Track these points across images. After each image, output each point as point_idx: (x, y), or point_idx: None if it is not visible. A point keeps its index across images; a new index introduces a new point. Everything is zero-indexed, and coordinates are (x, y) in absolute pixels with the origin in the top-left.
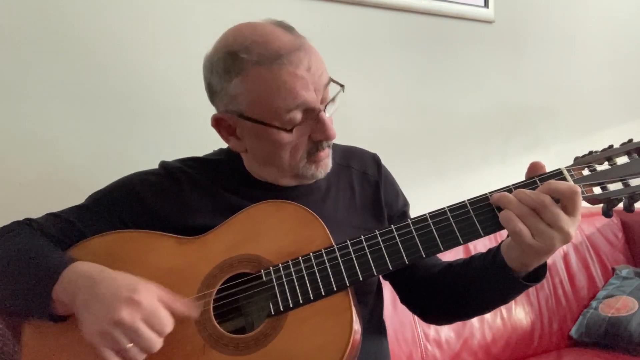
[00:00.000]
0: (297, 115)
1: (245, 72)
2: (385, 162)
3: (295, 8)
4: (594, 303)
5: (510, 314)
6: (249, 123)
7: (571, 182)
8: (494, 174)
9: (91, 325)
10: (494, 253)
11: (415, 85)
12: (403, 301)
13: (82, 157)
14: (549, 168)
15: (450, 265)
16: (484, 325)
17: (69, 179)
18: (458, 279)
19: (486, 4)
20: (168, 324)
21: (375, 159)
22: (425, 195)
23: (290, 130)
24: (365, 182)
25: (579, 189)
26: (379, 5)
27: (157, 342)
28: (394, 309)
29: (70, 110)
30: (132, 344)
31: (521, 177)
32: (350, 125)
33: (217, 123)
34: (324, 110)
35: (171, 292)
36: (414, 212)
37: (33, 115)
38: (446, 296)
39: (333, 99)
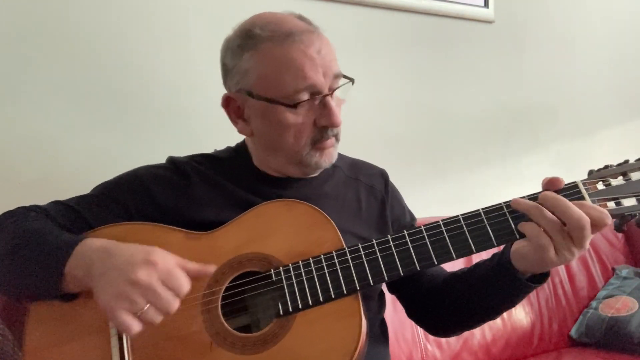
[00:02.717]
0: (304, 96)
1: (257, 47)
2: (384, 162)
3: (295, 8)
4: (594, 303)
5: (510, 314)
6: (257, 102)
7: (604, 210)
8: (494, 174)
9: (107, 291)
10: (499, 258)
11: (415, 85)
12: (411, 315)
13: (83, 156)
14: (549, 169)
15: (455, 274)
16: (484, 325)
17: (69, 178)
18: (464, 286)
19: (486, 4)
20: (184, 284)
21: (383, 175)
22: (425, 195)
23: (295, 107)
24: (372, 196)
25: (610, 219)
26: (379, 5)
27: (174, 302)
28: (394, 309)
29: (70, 110)
30: (149, 305)
31: (522, 178)
32: (350, 125)
33: (227, 103)
34: (331, 96)
35: (182, 259)
36: (415, 211)
37: (33, 115)
38: (453, 304)
39: (341, 87)
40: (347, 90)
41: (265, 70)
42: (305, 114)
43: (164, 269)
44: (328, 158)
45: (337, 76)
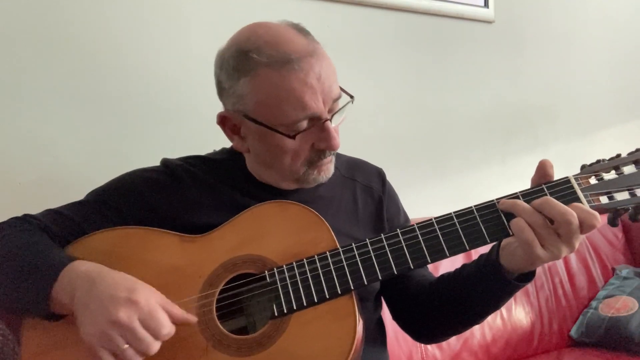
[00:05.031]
0: (303, 124)
1: (254, 72)
2: (384, 162)
3: (296, 8)
4: (594, 303)
5: (510, 314)
6: (254, 124)
7: (594, 212)
8: (494, 174)
9: (89, 327)
10: (486, 257)
11: (415, 85)
12: (396, 318)
13: (82, 157)
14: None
15: (442, 276)
16: (484, 325)
17: (69, 179)
18: (450, 287)
19: (486, 4)
20: (165, 326)
21: (380, 174)
22: (425, 195)
23: (294, 137)
24: (369, 196)
25: (600, 221)
26: (379, 5)
27: (152, 344)
28: None
29: (69, 110)
30: (127, 345)
31: (521, 178)
32: (349, 126)
33: (222, 121)
34: (330, 120)
35: (167, 299)
36: (415, 211)
37: (33, 115)
38: (439, 306)
39: (340, 110)
40: (347, 109)
41: (264, 98)
42: (303, 139)
43: (145, 310)
44: (326, 174)
45: (337, 98)
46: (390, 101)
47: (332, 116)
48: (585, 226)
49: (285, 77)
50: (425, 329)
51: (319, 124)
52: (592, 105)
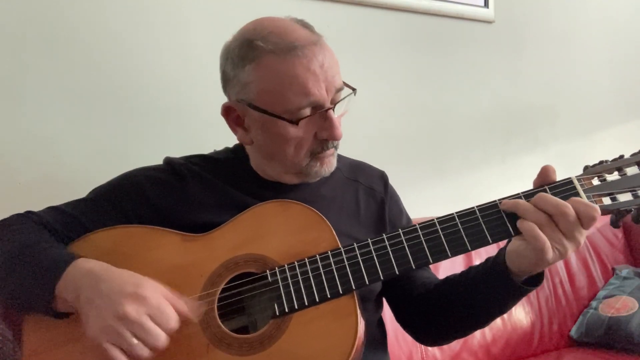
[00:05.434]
0: (306, 112)
1: (259, 59)
2: (384, 162)
3: (296, 8)
4: (594, 303)
5: (510, 314)
6: (257, 113)
7: (592, 204)
8: (494, 174)
9: (95, 322)
10: (493, 260)
11: (415, 85)
12: (399, 320)
13: (82, 157)
14: None
15: (447, 278)
16: None
17: (69, 178)
18: (456, 290)
19: (486, 4)
20: (173, 319)
21: (383, 177)
22: (425, 195)
23: (296, 123)
24: (371, 198)
25: (599, 212)
26: (379, 5)
27: (162, 338)
28: None
29: (70, 110)
30: (136, 340)
31: (521, 178)
32: (350, 125)
33: (226, 112)
34: (333, 110)
35: (174, 292)
36: (415, 211)
37: (33, 115)
38: (443, 309)
39: (343, 100)
40: (349, 101)
41: (267, 85)
42: (306, 128)
43: (153, 304)
44: (328, 167)
45: (340, 89)
46: (390, 101)
47: (335, 106)
48: (585, 219)
49: (289, 63)
50: (430, 332)
51: (321, 113)
52: (592, 105)
